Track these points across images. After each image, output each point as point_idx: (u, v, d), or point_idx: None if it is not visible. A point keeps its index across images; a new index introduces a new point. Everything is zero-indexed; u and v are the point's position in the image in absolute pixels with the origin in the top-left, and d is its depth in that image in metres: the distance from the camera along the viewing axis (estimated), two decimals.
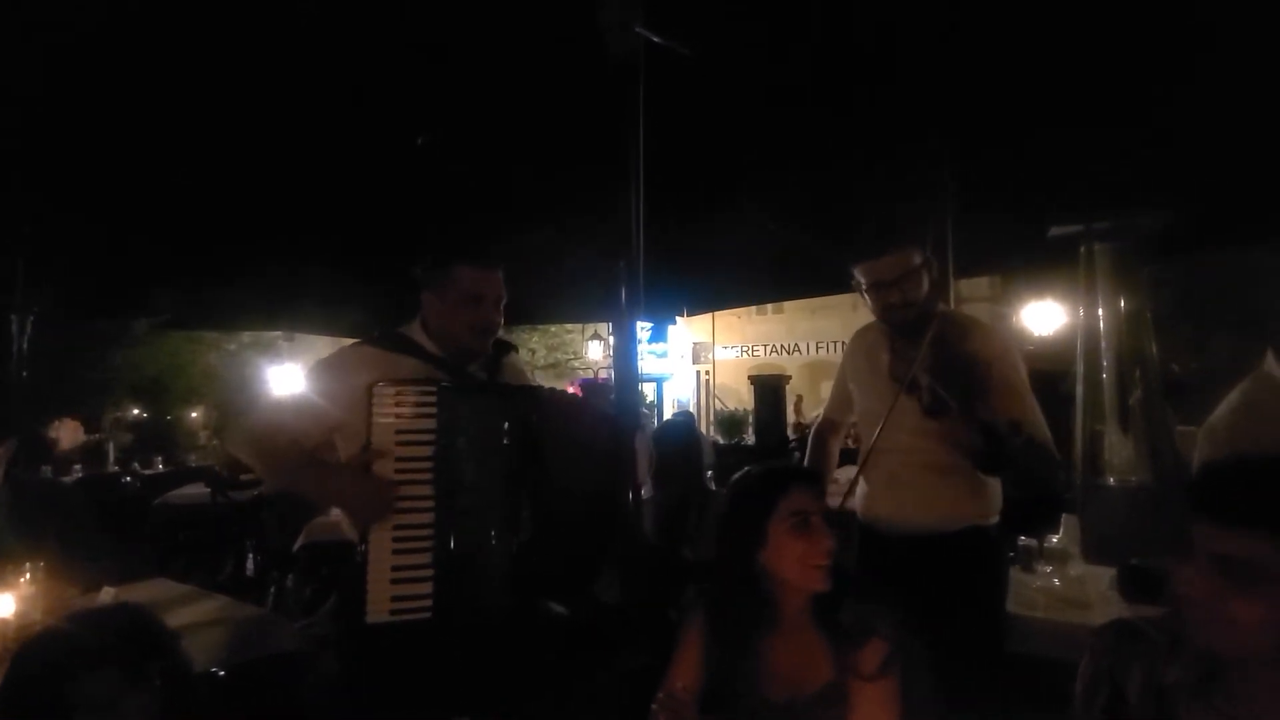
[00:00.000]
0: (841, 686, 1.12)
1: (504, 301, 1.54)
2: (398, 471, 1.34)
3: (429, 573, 1.34)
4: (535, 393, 1.56)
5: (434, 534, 1.35)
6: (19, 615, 1.65)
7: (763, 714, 1.15)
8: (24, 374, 3.43)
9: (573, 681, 1.58)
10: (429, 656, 1.33)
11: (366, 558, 1.32)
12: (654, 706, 1.08)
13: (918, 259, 1.63)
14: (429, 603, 1.33)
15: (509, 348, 1.68)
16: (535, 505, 1.44)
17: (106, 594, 1.95)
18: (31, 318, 3.44)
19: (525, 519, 1.43)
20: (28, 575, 1.75)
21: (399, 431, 1.35)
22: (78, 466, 6.00)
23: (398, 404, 1.35)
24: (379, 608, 1.30)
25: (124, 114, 2.17)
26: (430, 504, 1.36)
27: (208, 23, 1.76)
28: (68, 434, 6.50)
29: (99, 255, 3.41)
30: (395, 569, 1.32)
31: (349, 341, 1.68)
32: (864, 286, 1.70)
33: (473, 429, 1.40)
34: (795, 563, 1.16)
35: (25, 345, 3.42)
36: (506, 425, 1.43)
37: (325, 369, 1.52)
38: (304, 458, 1.45)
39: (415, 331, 1.54)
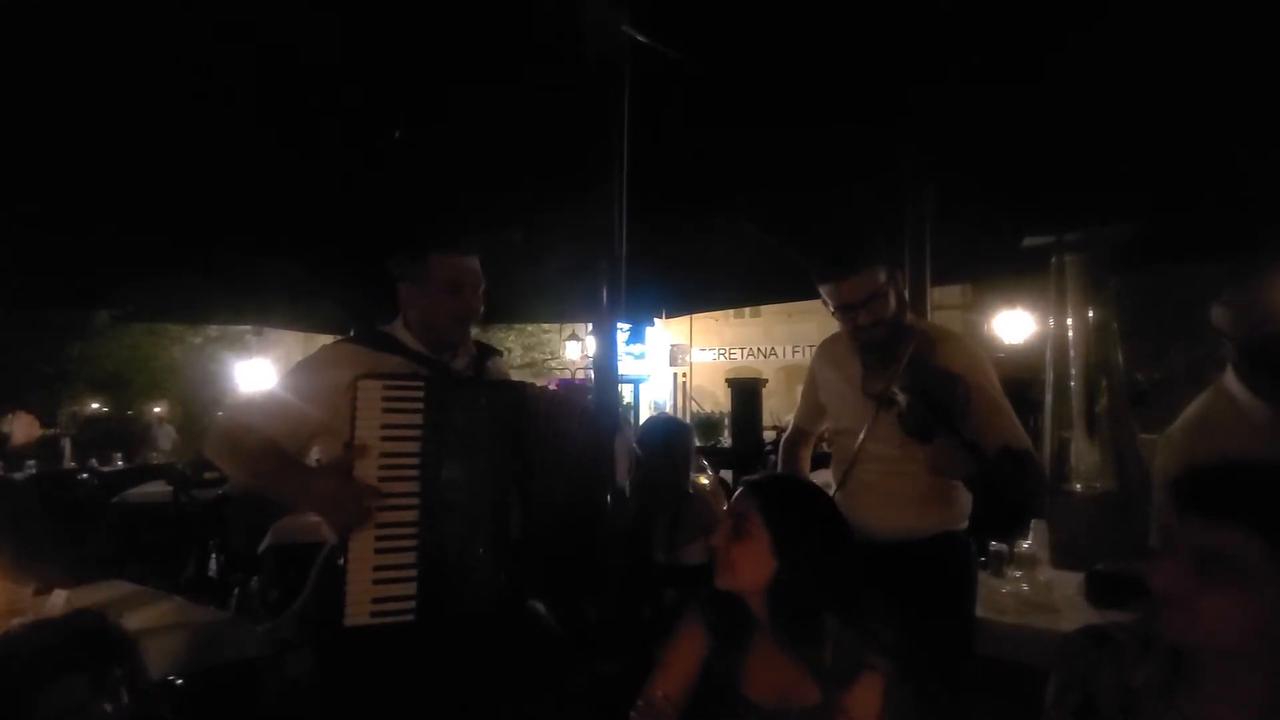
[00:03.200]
0: (830, 712, 1.06)
1: (482, 287, 1.52)
2: (382, 468, 1.30)
3: (413, 573, 1.30)
4: (521, 388, 1.53)
5: (418, 532, 1.31)
6: None
7: (748, 718, 1.13)
8: None
9: (546, 687, 1.55)
10: (409, 660, 1.30)
11: (347, 557, 1.27)
12: (632, 714, 1.07)
13: (883, 277, 1.63)
14: (412, 604, 1.29)
15: (494, 352, 1.67)
16: (524, 503, 1.41)
17: (58, 596, 1.87)
18: None
19: (514, 517, 1.40)
20: None
21: (384, 426, 1.31)
22: (31, 462, 5.78)
23: (383, 398, 1.31)
24: (359, 609, 1.25)
25: (85, 96, 2.09)
26: (415, 501, 1.32)
27: (173, 8, 1.70)
28: (21, 428, 6.25)
29: (56, 243, 3.28)
30: (377, 569, 1.28)
31: (320, 336, 1.64)
32: (832, 307, 1.70)
33: (459, 424, 1.37)
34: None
35: None
36: (493, 420, 1.41)
37: (307, 368, 1.48)
38: (283, 459, 1.40)
39: (398, 329, 1.52)
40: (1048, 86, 2.06)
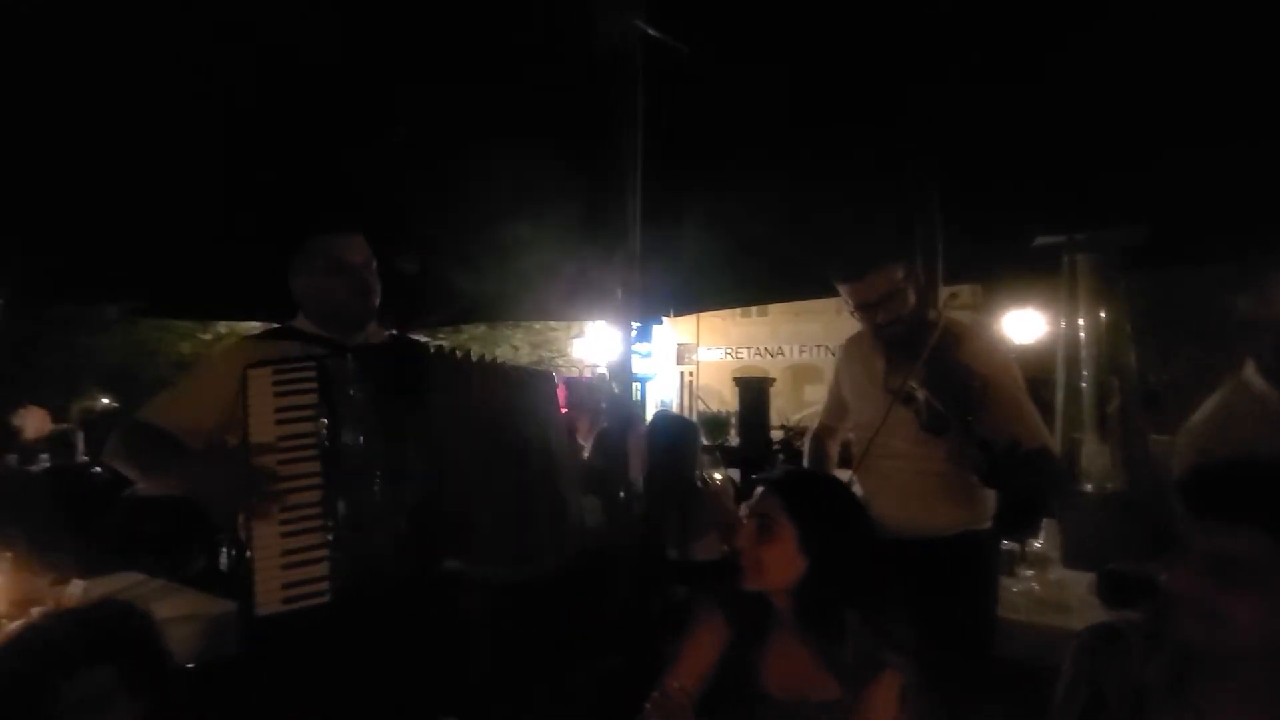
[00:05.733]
0: (849, 707, 1.07)
1: (374, 264, 1.51)
2: (281, 451, 1.27)
3: (322, 553, 1.26)
4: (417, 348, 1.49)
5: (323, 512, 1.27)
6: None
7: (765, 712, 1.12)
8: None
9: (552, 679, 1.56)
10: (336, 643, 1.27)
11: (251, 547, 1.22)
12: (647, 706, 1.07)
13: (900, 274, 1.63)
14: (325, 585, 1.25)
15: (415, 341, 1.67)
16: (429, 465, 1.36)
17: (76, 585, 1.89)
18: None
19: (419, 481, 1.35)
20: None
21: (279, 410, 1.28)
22: (44, 456, 5.83)
23: (274, 383, 1.28)
24: (270, 598, 1.22)
25: (91, 95, 2.10)
26: (318, 480, 1.28)
27: (173, 8, 1.71)
28: (34, 423, 6.30)
29: (66, 239, 3.30)
30: (285, 553, 1.24)
31: None
32: (851, 307, 1.70)
33: (356, 397, 1.33)
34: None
35: None
36: (389, 387, 1.36)
37: (202, 367, 1.51)
38: (174, 455, 1.37)
39: (298, 320, 1.53)
40: (1049, 86, 2.05)
